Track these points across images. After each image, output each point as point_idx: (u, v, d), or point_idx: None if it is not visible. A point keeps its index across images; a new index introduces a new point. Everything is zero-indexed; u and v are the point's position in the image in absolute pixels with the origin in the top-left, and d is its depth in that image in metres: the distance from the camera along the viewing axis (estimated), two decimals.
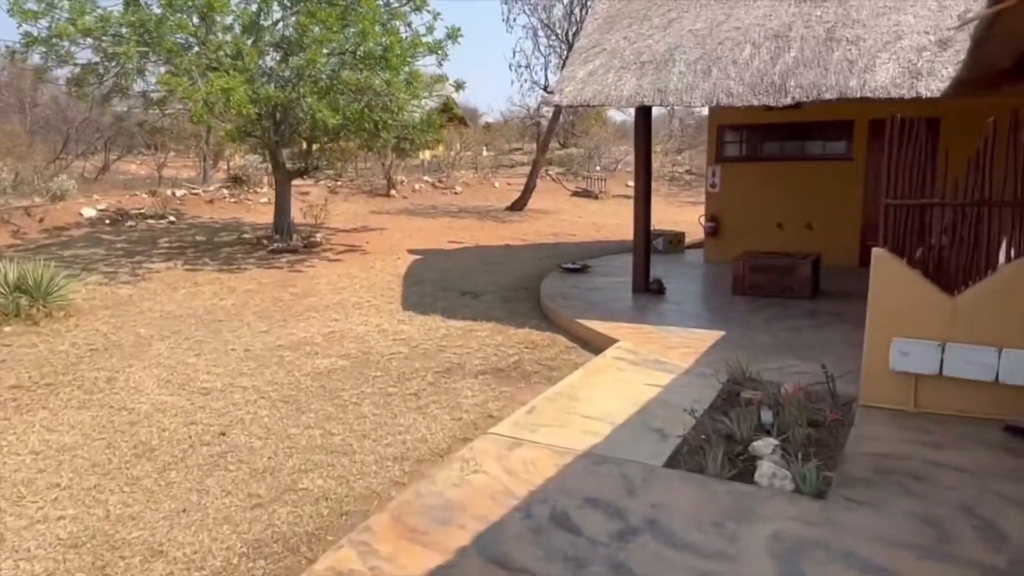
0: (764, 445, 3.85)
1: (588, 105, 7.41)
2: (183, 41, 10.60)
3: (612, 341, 6.54)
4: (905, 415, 4.41)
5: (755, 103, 6.63)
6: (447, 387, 5.65)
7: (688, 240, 14.24)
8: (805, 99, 6.43)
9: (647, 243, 8.80)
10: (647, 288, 8.78)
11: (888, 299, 4.45)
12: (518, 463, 3.82)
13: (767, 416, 4.22)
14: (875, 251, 4.56)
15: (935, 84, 6.01)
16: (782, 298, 8.30)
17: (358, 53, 10.70)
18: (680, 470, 3.69)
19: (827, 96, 6.36)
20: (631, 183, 27.98)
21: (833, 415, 4.32)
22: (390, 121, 10.82)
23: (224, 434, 4.74)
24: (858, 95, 6.25)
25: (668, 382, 5.21)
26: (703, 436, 4.12)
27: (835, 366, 5.45)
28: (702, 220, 12.28)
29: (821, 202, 11.01)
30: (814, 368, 5.49)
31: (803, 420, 4.17)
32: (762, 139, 11.41)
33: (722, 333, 6.65)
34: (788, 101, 6.48)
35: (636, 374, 5.42)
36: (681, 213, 21.06)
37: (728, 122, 11.52)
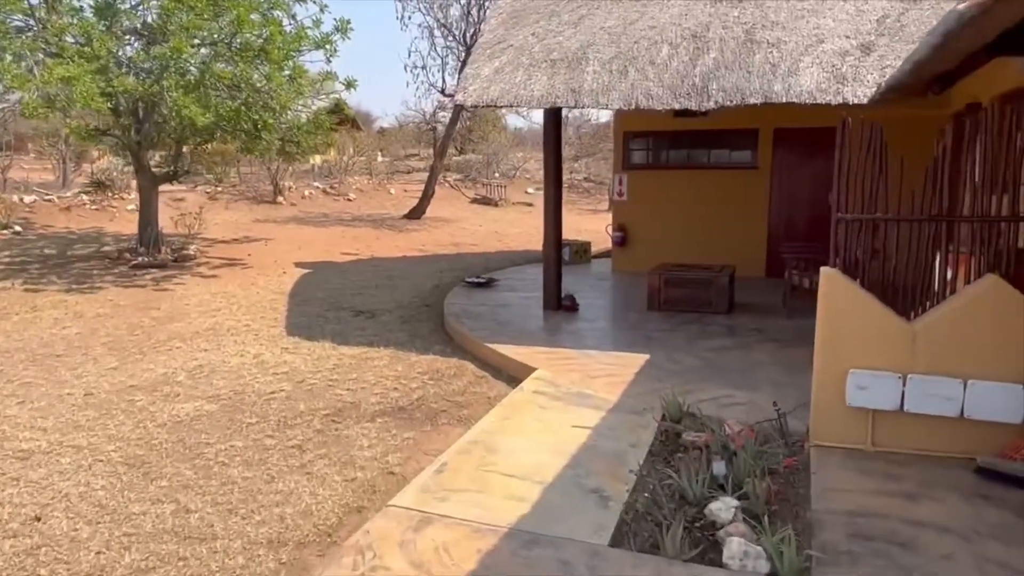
0: (723, 508, 3.22)
1: (495, 106, 6.69)
2: (20, 23, 9.08)
3: (527, 369, 5.83)
4: (863, 456, 3.93)
5: (676, 106, 6.13)
6: (338, 435, 4.74)
7: (594, 250, 13.84)
8: (728, 103, 5.98)
9: (558, 256, 8.18)
10: (559, 305, 8.15)
11: (841, 326, 3.96)
12: (428, 550, 3.01)
13: (719, 468, 3.62)
14: (825, 272, 4.07)
15: (861, 90, 5.70)
16: (699, 313, 7.90)
17: (234, 44, 9.51)
18: (631, 551, 2.99)
19: (751, 100, 5.94)
20: (531, 190, 27.63)
21: (790, 462, 3.77)
22: (271, 121, 9.68)
23: (39, 519, 3.63)
24: (783, 100, 5.86)
25: (597, 422, 4.54)
26: (649, 497, 3.45)
27: (774, 396, 4.96)
28: (609, 229, 11.85)
29: (728, 211, 10.81)
30: (752, 398, 5.00)
31: (759, 470, 3.59)
32: (669, 146, 11.11)
33: (646, 356, 6.09)
34: (711, 105, 6.02)
35: (560, 413, 4.72)
36: (582, 221, 20.80)
37: (634, 128, 11.15)
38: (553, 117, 7.56)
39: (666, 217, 11.14)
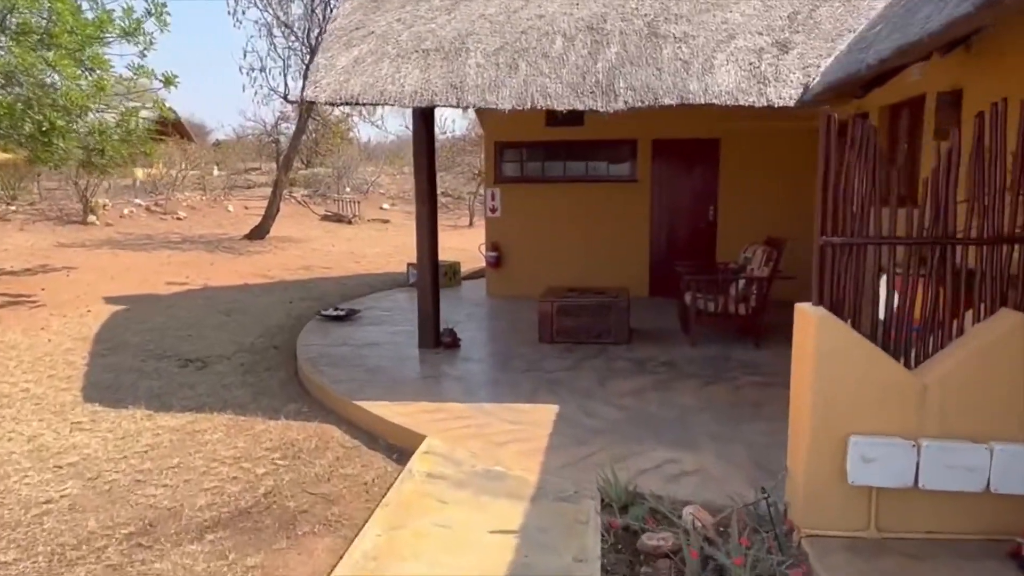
0: None
1: (356, 103, 5.39)
2: None
3: (412, 436, 4.57)
4: (869, 547, 3.06)
5: (580, 106, 5.16)
6: (145, 572, 3.23)
7: (463, 270, 12.71)
8: (640, 103, 5.09)
9: (436, 284, 6.95)
10: (438, 342, 6.92)
11: (836, 382, 3.08)
12: None
13: None
14: (811, 313, 3.17)
15: (786, 91, 5.00)
16: (597, 344, 6.98)
17: (7, 24, 7.45)
18: None
19: (666, 101, 5.08)
20: (386, 205, 26.06)
21: (799, 574, 2.80)
22: (61, 123, 7.68)
23: None
24: (701, 100, 5.05)
25: (522, 520, 3.37)
26: None
27: (723, 456, 4.04)
28: (482, 249, 10.78)
29: (609, 227, 10.10)
30: (700, 462, 4.05)
31: None
32: (544, 158, 10.25)
33: (555, 408, 5.02)
34: (620, 106, 5.10)
35: (469, 510, 3.50)
36: (444, 239, 19.60)
37: (506, 139, 10.18)
38: (425, 119, 6.35)
39: (543, 234, 10.24)
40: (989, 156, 3.09)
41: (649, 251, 10.11)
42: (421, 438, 4.50)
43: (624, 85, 5.15)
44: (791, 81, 5.04)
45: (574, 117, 10.27)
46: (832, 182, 3.18)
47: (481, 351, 6.91)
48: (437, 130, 28.12)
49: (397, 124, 55.08)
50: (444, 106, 5.32)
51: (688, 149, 9.86)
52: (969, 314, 3.18)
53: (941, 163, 3.12)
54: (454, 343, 6.95)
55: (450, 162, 27.00)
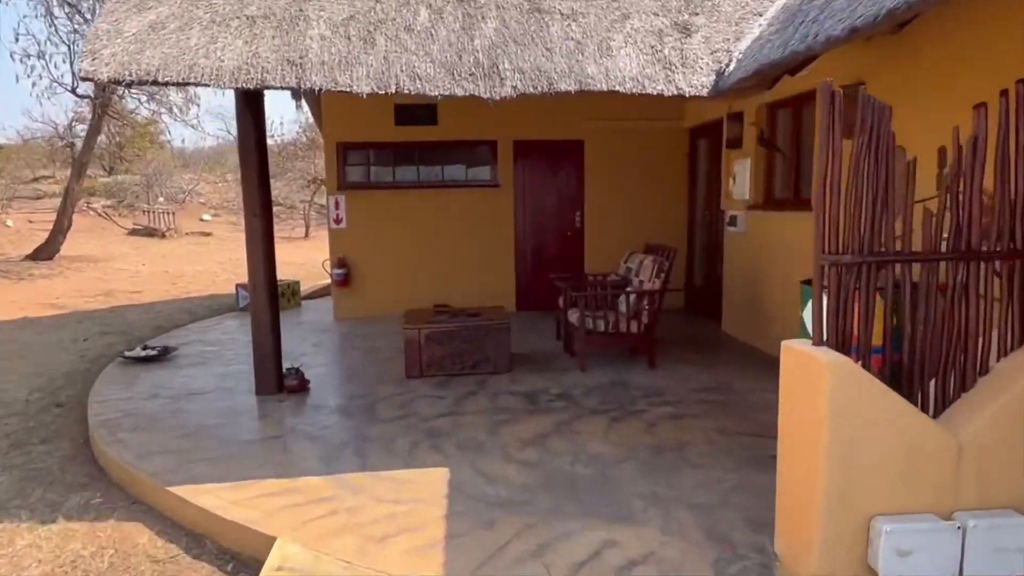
0: None
1: (155, 82, 3.97)
2: None
3: (257, 538, 3.31)
4: None
5: (459, 92, 4.14)
6: None
7: (303, 288, 11.20)
8: (532, 89, 4.17)
9: (274, 314, 5.61)
10: (281, 386, 5.59)
11: (855, 446, 2.31)
12: None
13: None
14: (820, 357, 2.38)
15: (697, 78, 4.29)
16: (475, 375, 5.99)
17: None
18: None
19: (562, 86, 4.20)
20: (207, 216, 23.34)
21: None
22: None
23: None
24: (603, 86, 4.23)
25: None
26: None
27: (670, 530, 3.19)
28: (327, 265, 9.40)
29: (470, 237, 9.16)
30: (647, 544, 3.16)
31: None
32: (394, 161, 9.09)
33: (444, 472, 3.95)
34: (508, 92, 4.14)
35: None
36: (279, 253, 17.72)
37: (350, 139, 8.92)
38: (252, 106, 5.03)
39: (397, 246, 9.09)
40: (1017, 152, 2.45)
41: (515, 262, 9.28)
42: (269, 540, 3.25)
43: (510, 67, 4.20)
44: (700, 67, 4.35)
45: (427, 115, 9.25)
46: (836, 180, 2.40)
47: (337, 394, 5.66)
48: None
49: (217, 127, 50.74)
50: (279, 87, 4.07)
51: (552, 151, 9.16)
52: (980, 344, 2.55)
53: (964, 158, 2.44)
54: (302, 386, 5.64)
55: (279, 168, 24.82)
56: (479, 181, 9.19)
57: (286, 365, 5.77)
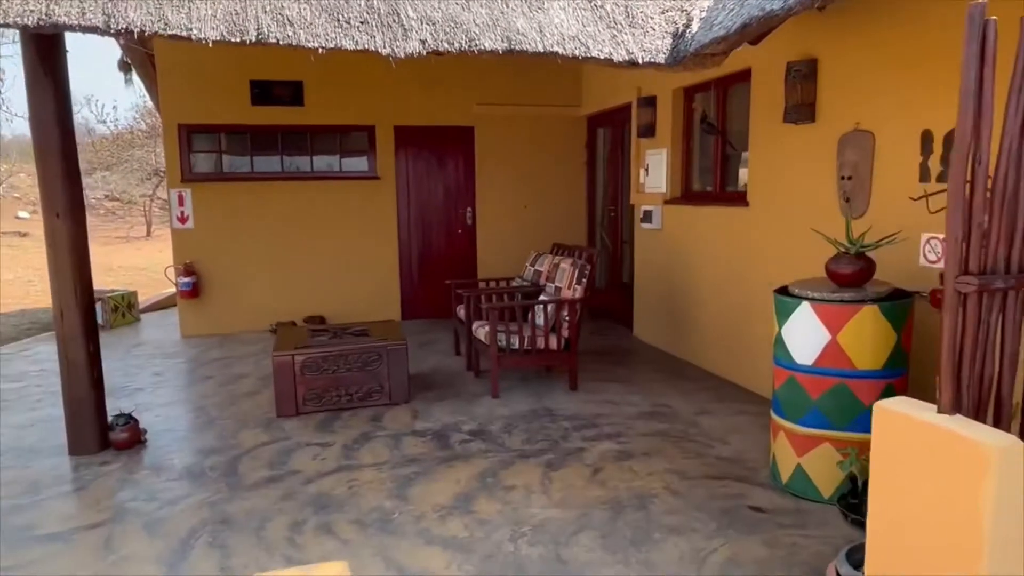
0: None
1: None
2: None
3: None
4: None
5: (349, 45, 3.00)
6: None
7: (144, 298, 9.44)
8: (446, 46, 3.13)
9: (91, 339, 4.20)
10: (105, 441, 4.21)
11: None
12: None
13: None
14: (987, 442, 1.54)
15: (651, 41, 3.45)
16: (366, 407, 4.89)
17: None
18: None
19: (487, 44, 3.19)
20: (25, 214, 20.07)
21: None
22: None
23: None
24: (538, 47, 3.29)
25: None
26: None
27: None
28: (171, 273, 7.83)
29: (346, 237, 7.94)
30: None
31: None
32: (253, 148, 7.68)
33: (342, 570, 2.86)
34: (415, 47, 3.07)
35: None
36: (112, 256, 15.41)
37: (194, 120, 7.42)
38: (46, 62, 3.63)
39: (257, 249, 7.71)
40: None
41: (399, 265, 8.16)
42: None
43: (416, 16, 3.15)
44: (652, 28, 3.51)
45: (291, 94, 7.89)
46: (984, 159, 1.58)
47: (185, 449, 4.34)
48: (93, 118, 22.43)
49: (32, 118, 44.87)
50: (78, 29, 2.77)
51: (438, 138, 8.11)
52: None
53: None
54: (135, 438, 4.29)
55: (115, 158, 21.90)
56: (355, 173, 7.97)
57: (114, 411, 4.38)
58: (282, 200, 7.69)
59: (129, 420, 4.31)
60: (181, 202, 7.45)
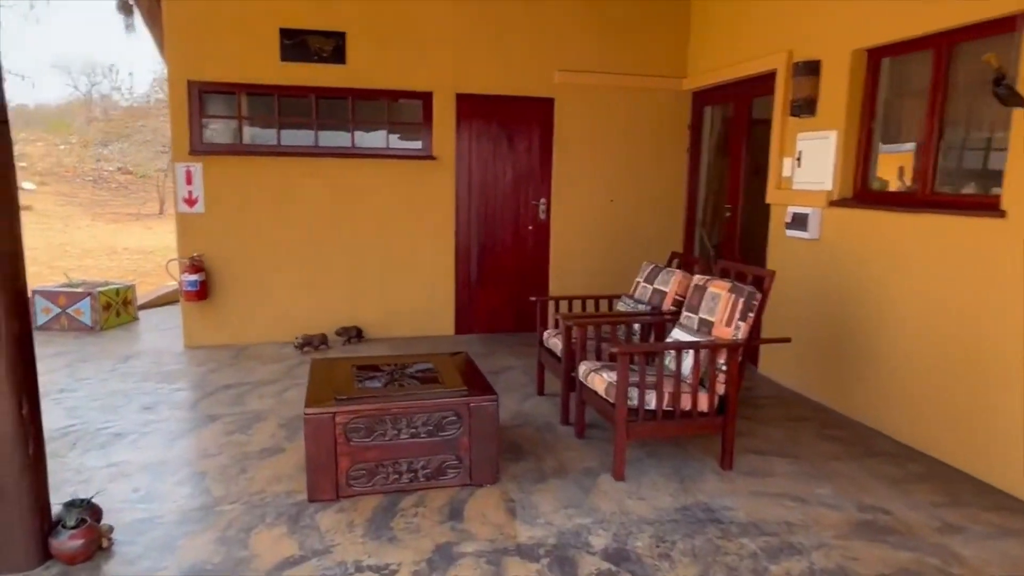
0: None
1: None
2: None
3: None
4: None
5: None
6: None
7: (145, 292, 7.97)
8: None
9: (26, 383, 2.67)
10: (47, 553, 2.69)
11: None
12: None
13: None
14: None
15: None
16: (435, 489, 3.35)
17: None
18: None
19: None
20: (29, 185, 18.77)
21: None
22: None
23: None
24: None
25: None
26: None
27: None
28: (174, 268, 6.32)
29: (391, 231, 6.40)
30: None
31: None
32: (281, 115, 6.13)
33: None
34: None
35: None
36: (117, 236, 14.00)
37: (209, 78, 5.87)
38: None
39: (280, 243, 6.19)
40: None
41: (455, 267, 6.61)
42: None
43: None
44: None
45: (331, 48, 6.32)
46: None
47: (171, 566, 2.80)
48: (108, 85, 20.94)
49: (63, 82, 43.71)
50: None
51: (509, 111, 6.53)
52: None
53: None
54: (91, 546, 2.77)
55: (128, 128, 20.52)
56: (406, 151, 6.41)
57: (66, 492, 2.87)
58: (315, 182, 6.15)
59: (84, 518, 2.79)
60: (189, 179, 5.93)
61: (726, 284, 3.78)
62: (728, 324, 3.66)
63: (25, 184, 18.21)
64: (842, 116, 4.61)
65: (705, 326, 3.80)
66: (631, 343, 4.21)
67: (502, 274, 6.69)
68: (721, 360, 3.60)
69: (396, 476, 3.34)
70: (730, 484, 3.53)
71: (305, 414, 3.21)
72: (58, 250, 12.08)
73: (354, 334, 6.23)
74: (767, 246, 5.44)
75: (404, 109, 6.37)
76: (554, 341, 4.54)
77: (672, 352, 3.60)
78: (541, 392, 4.90)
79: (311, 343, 5.96)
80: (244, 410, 4.49)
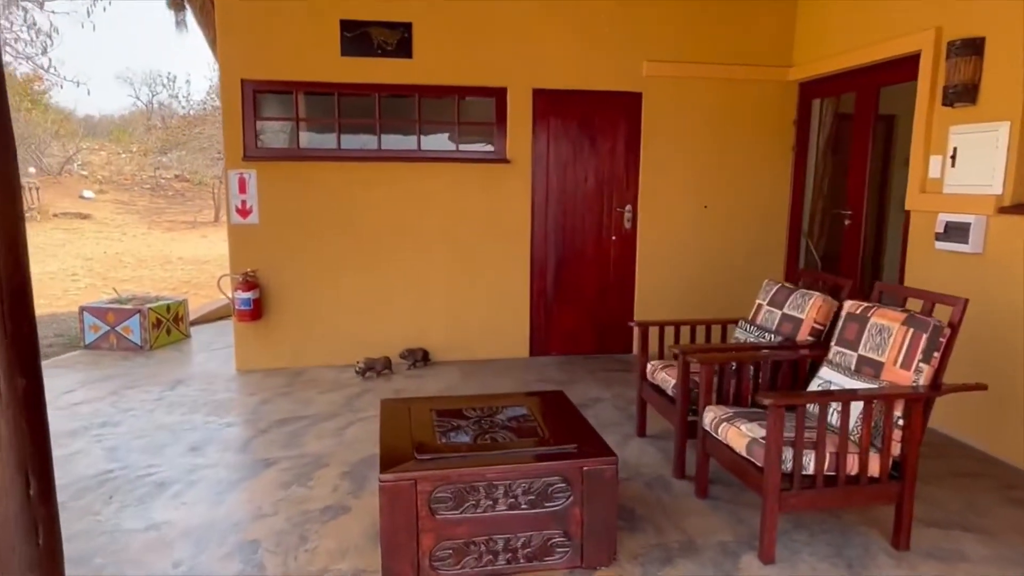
0: None
1: None
2: None
3: None
4: None
5: None
6: None
7: (199, 306, 7.54)
8: None
9: (37, 454, 2.08)
10: None
11: None
12: None
13: None
14: None
15: None
16: (538, 572, 2.67)
17: None
18: None
19: None
20: (89, 193, 18.79)
21: None
22: None
23: None
24: None
25: None
26: None
27: None
28: (226, 284, 5.81)
29: (459, 242, 5.77)
30: None
31: None
32: (341, 117, 5.57)
33: None
34: None
35: None
36: (172, 245, 13.79)
37: (264, 75, 5.35)
38: None
39: (338, 256, 5.63)
40: None
41: (530, 281, 5.94)
42: None
43: None
44: None
45: (396, 42, 5.73)
46: None
47: None
48: (167, 94, 21.14)
49: (125, 93, 45.04)
50: None
51: (591, 107, 5.83)
52: None
53: None
54: None
55: (185, 135, 20.53)
56: (477, 154, 5.79)
57: (93, 573, 2.29)
58: (377, 189, 5.57)
59: None
60: (243, 187, 5.41)
61: (898, 314, 3.01)
62: (906, 366, 2.89)
63: (85, 192, 18.33)
64: (1017, 103, 3.78)
65: (869, 367, 3.03)
66: (790, 392, 3.46)
67: (582, 290, 6.00)
68: (897, 412, 2.83)
69: (491, 556, 2.68)
70: (909, 570, 2.76)
71: (380, 481, 2.58)
72: (114, 260, 11.87)
73: (420, 357, 5.62)
74: (905, 260, 4.61)
75: (474, 107, 5.74)
76: (663, 376, 3.82)
77: (835, 403, 2.84)
78: (643, 433, 4.19)
79: (374, 367, 5.37)
80: (302, 453, 3.90)
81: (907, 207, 4.57)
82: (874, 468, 2.84)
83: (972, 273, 4.05)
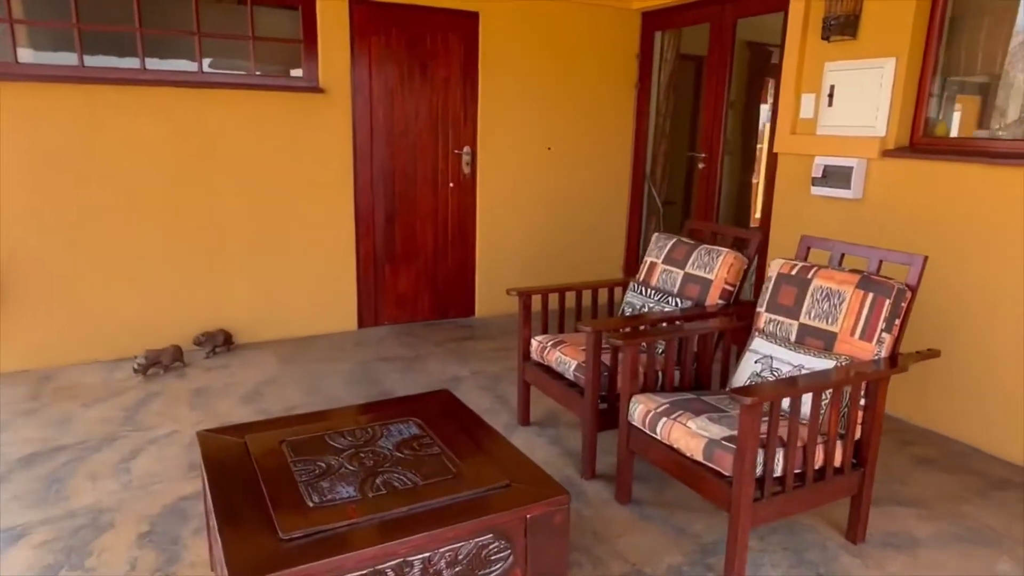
0: None
1: None
2: None
3: None
4: None
5: None
6: None
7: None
8: None
9: None
10: None
11: None
12: None
13: None
14: None
15: None
16: None
17: None
18: None
19: None
20: None
21: None
22: None
23: None
24: None
25: None
26: None
27: None
28: None
29: (264, 193, 4.60)
30: None
31: None
32: (75, 18, 4.01)
33: None
34: None
35: None
36: None
37: None
38: None
39: (91, 217, 4.20)
40: None
41: (356, 241, 4.93)
42: None
43: None
44: None
45: None
46: None
47: None
48: None
49: None
50: None
51: (421, 27, 4.85)
52: None
53: None
54: None
55: None
56: (280, 82, 4.56)
57: None
58: (143, 124, 4.15)
59: None
60: None
61: (849, 276, 2.59)
62: (867, 337, 2.49)
63: None
64: (905, 38, 3.55)
65: (816, 338, 2.60)
66: (776, 384, 2.92)
67: (417, 247, 5.13)
68: (861, 393, 2.43)
69: None
70: (878, 569, 2.42)
71: None
72: None
73: (221, 341, 4.42)
74: (772, 206, 4.37)
75: (273, 18, 4.49)
76: (558, 355, 3.15)
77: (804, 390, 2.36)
78: (526, 421, 3.52)
79: (159, 361, 4.09)
80: (69, 510, 2.68)
81: (775, 149, 4.29)
82: (838, 458, 2.43)
83: (851, 220, 3.87)
